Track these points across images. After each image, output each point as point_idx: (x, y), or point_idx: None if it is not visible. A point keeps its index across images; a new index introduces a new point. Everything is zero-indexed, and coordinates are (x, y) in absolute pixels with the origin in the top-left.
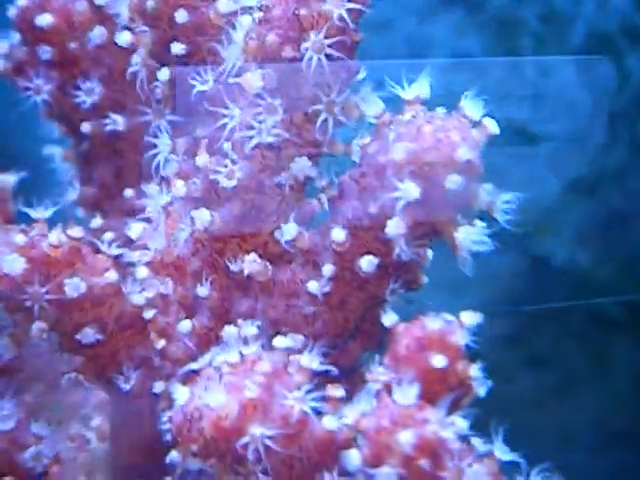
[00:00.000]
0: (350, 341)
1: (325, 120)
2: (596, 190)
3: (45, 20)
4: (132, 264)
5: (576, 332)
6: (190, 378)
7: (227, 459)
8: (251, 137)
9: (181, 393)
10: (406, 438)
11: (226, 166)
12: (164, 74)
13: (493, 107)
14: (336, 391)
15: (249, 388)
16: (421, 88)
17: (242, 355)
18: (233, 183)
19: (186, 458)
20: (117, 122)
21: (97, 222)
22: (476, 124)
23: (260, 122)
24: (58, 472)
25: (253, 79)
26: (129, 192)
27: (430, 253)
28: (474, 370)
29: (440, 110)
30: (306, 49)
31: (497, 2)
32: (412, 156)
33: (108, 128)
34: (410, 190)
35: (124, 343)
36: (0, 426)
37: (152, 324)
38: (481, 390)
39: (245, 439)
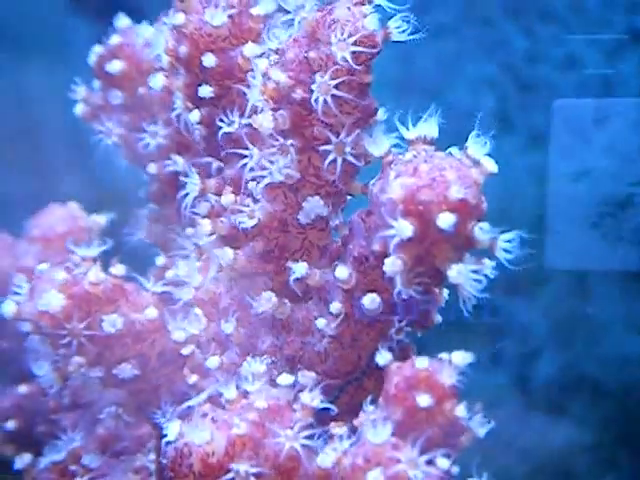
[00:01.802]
0: (364, 378)
1: (334, 160)
2: None
3: (116, 67)
4: (178, 301)
5: None
6: (189, 414)
7: None
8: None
9: (172, 429)
10: (374, 476)
11: (248, 206)
12: (195, 116)
13: None
14: (339, 429)
15: (237, 425)
16: (426, 128)
17: (246, 392)
18: (253, 222)
19: None
20: (178, 163)
21: (161, 260)
22: (478, 163)
23: (272, 162)
24: None
25: (264, 120)
26: (190, 230)
27: (445, 292)
28: (461, 410)
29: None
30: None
31: None
32: (407, 194)
33: (169, 169)
34: (404, 228)
35: (165, 379)
36: (52, 457)
37: (189, 360)
38: (480, 431)
39: (229, 476)
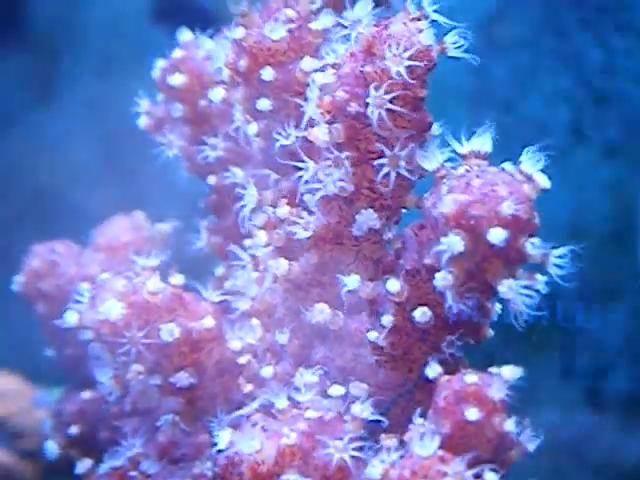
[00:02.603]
0: (416, 391)
1: (388, 174)
2: None
3: (178, 80)
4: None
5: None
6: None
7: None
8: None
9: (223, 437)
10: None
11: (303, 218)
12: (253, 129)
13: None
14: (389, 441)
15: (287, 435)
16: (479, 143)
17: (297, 402)
18: (308, 234)
19: None
20: (236, 175)
21: (220, 271)
22: (530, 179)
23: (327, 175)
24: None
25: (319, 133)
26: (248, 241)
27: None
28: (510, 425)
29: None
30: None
31: None
32: (459, 209)
33: (228, 181)
34: (455, 243)
35: (222, 387)
36: (112, 462)
37: (245, 369)
38: (530, 445)
39: None
